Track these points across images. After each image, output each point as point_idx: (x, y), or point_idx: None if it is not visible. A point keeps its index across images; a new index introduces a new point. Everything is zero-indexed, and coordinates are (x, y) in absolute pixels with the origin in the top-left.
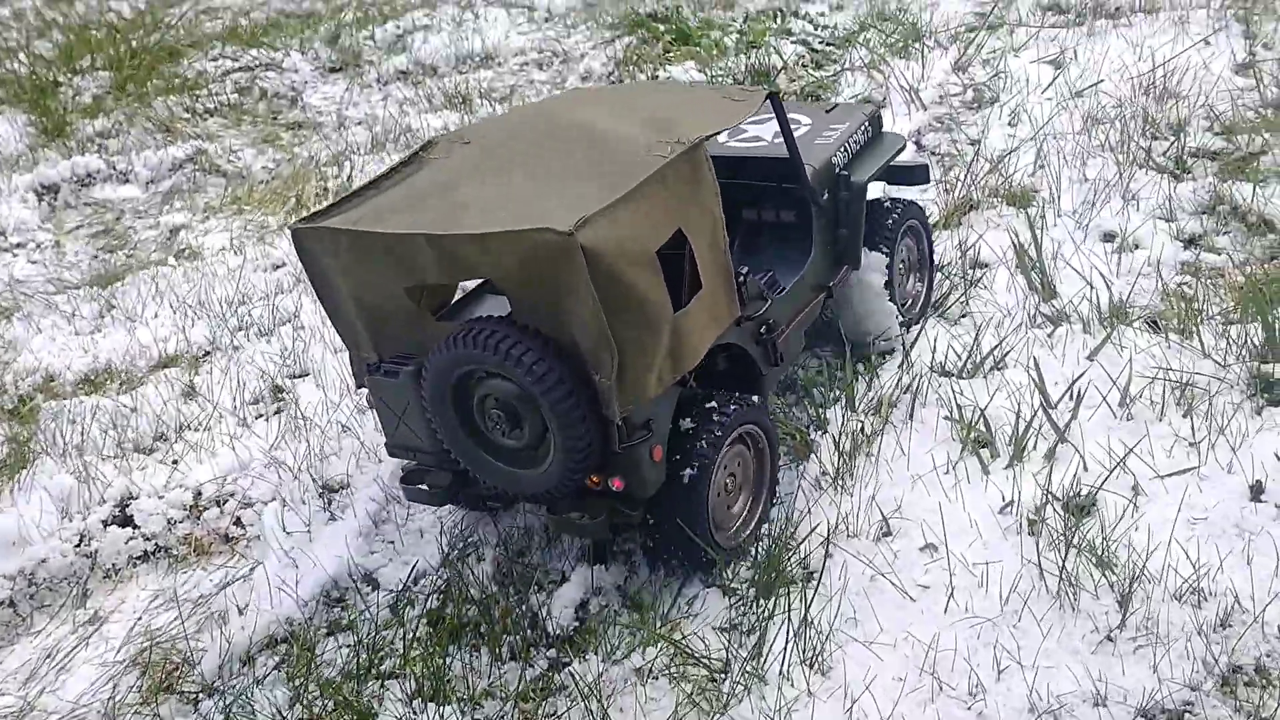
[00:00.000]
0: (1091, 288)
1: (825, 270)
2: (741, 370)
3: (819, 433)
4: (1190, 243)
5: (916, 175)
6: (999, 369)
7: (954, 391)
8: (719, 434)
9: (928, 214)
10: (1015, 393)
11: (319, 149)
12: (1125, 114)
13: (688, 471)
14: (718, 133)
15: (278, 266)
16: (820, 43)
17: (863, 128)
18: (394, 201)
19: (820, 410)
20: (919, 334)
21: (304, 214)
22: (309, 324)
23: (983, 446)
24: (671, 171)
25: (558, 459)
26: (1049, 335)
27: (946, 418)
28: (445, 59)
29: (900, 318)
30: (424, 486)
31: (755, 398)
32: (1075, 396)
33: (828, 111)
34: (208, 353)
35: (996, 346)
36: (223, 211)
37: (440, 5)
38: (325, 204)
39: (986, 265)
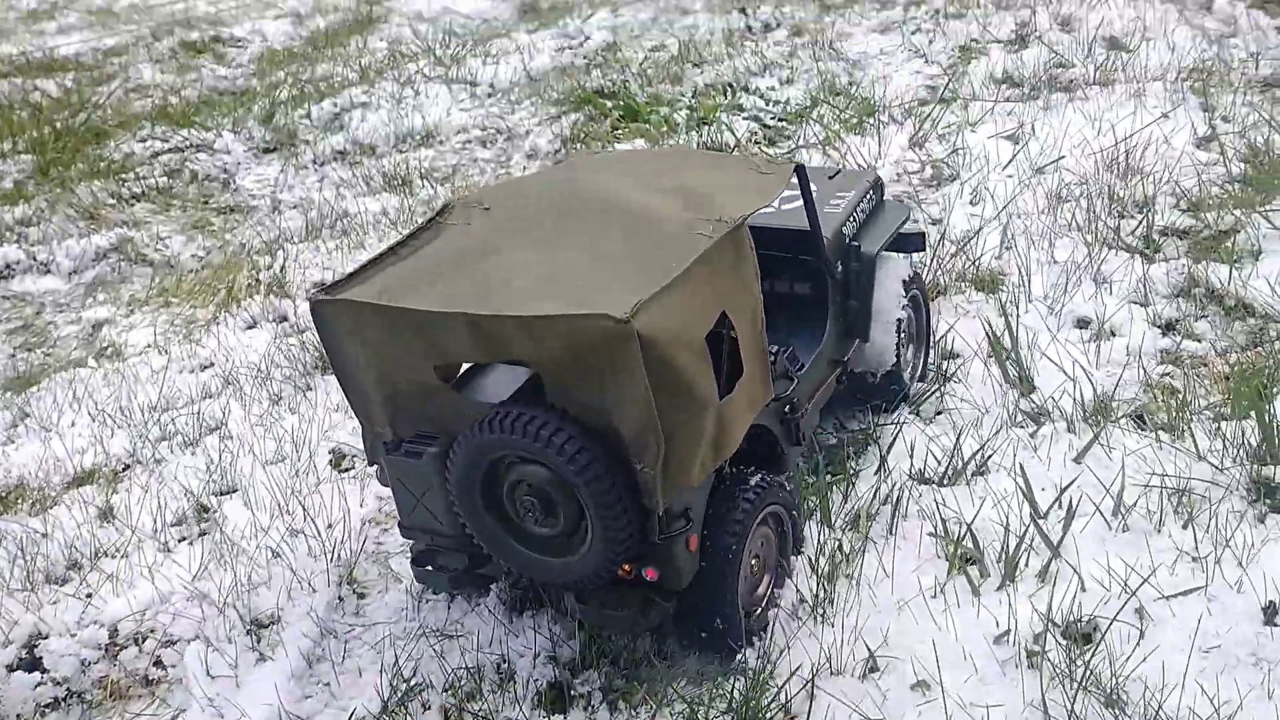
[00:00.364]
0: (1073, 381)
1: (839, 344)
2: (763, 449)
3: (794, 552)
4: (1168, 328)
5: (913, 243)
6: (981, 474)
7: (936, 502)
8: (747, 516)
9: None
10: (1001, 502)
11: (251, 235)
12: (1090, 191)
13: (717, 558)
14: (756, 211)
15: (205, 367)
16: (772, 118)
17: (868, 196)
18: (418, 271)
19: None
20: (896, 435)
21: (233, 307)
22: (237, 433)
23: (970, 563)
24: (716, 253)
25: (595, 548)
26: (1031, 435)
27: (931, 534)
28: (384, 138)
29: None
30: (434, 569)
31: (779, 477)
32: (1066, 508)
33: (830, 178)
34: (127, 466)
35: (978, 451)
36: (148, 304)
37: (379, 82)
38: (341, 274)
39: (958, 356)
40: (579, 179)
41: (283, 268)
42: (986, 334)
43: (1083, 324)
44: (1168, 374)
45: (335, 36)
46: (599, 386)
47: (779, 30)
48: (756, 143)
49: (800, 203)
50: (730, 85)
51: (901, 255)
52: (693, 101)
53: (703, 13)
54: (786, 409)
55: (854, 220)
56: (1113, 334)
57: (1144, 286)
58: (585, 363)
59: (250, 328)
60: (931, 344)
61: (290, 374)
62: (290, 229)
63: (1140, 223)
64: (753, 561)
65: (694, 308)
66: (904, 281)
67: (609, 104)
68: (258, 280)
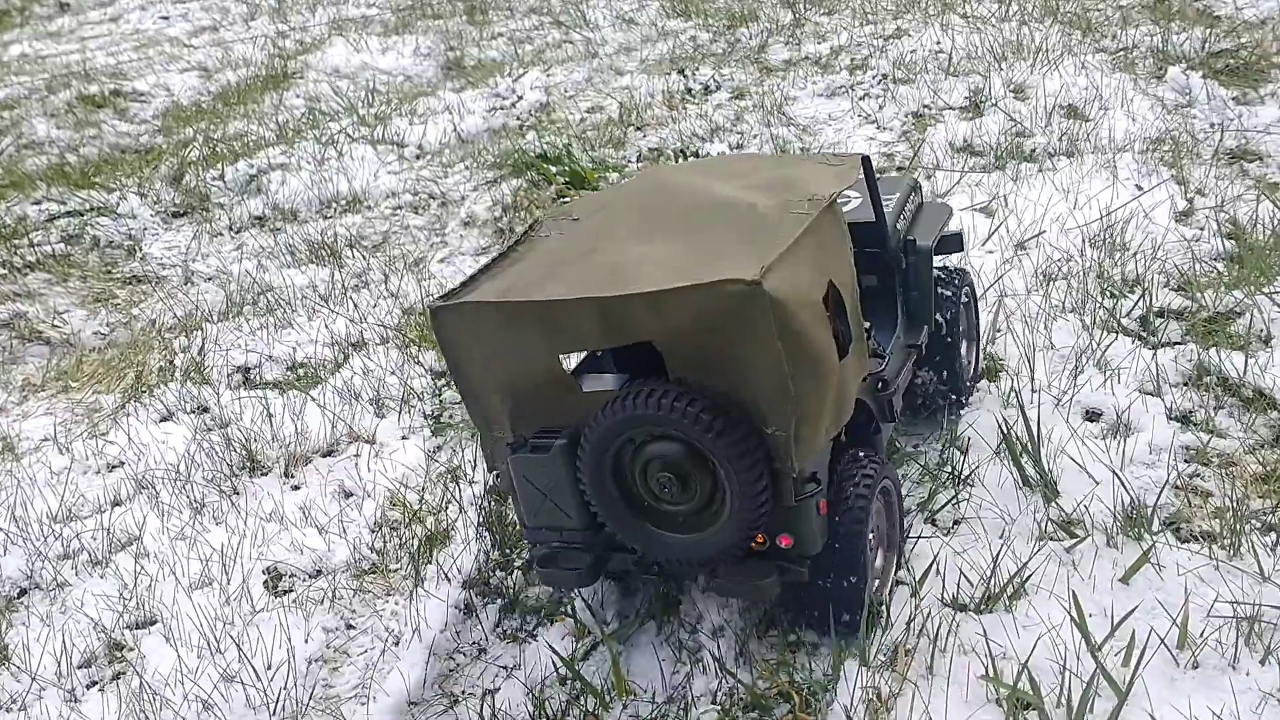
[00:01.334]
0: (1099, 484)
1: (911, 330)
2: (857, 428)
3: (825, 697)
4: (1185, 421)
5: (952, 244)
6: (1019, 596)
7: (976, 634)
8: (869, 487)
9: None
10: (1050, 632)
11: (162, 311)
12: (1079, 269)
13: (846, 525)
14: (842, 191)
15: (113, 467)
16: None
17: (911, 196)
18: (528, 272)
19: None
20: (915, 547)
21: (141, 392)
22: (154, 550)
23: (1026, 708)
24: (820, 226)
25: (732, 519)
26: (1068, 551)
27: (981, 677)
28: (307, 202)
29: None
30: (561, 569)
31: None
32: (1128, 642)
33: None
34: (23, 591)
35: (1016, 573)
36: (45, 390)
37: (298, 142)
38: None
39: (966, 452)
40: (662, 183)
41: (200, 350)
42: (1001, 432)
43: (1092, 416)
44: (1197, 475)
45: (248, 92)
46: (728, 354)
47: (720, 92)
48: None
49: (858, 201)
50: (680, 151)
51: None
52: (640, 166)
53: (638, 73)
54: (880, 385)
55: (904, 217)
56: (1128, 429)
57: (1154, 375)
58: (715, 332)
59: (165, 420)
60: (982, 345)
61: (214, 476)
62: (207, 304)
63: (1136, 303)
64: (870, 535)
65: (810, 274)
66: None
67: (554, 169)
68: (172, 364)
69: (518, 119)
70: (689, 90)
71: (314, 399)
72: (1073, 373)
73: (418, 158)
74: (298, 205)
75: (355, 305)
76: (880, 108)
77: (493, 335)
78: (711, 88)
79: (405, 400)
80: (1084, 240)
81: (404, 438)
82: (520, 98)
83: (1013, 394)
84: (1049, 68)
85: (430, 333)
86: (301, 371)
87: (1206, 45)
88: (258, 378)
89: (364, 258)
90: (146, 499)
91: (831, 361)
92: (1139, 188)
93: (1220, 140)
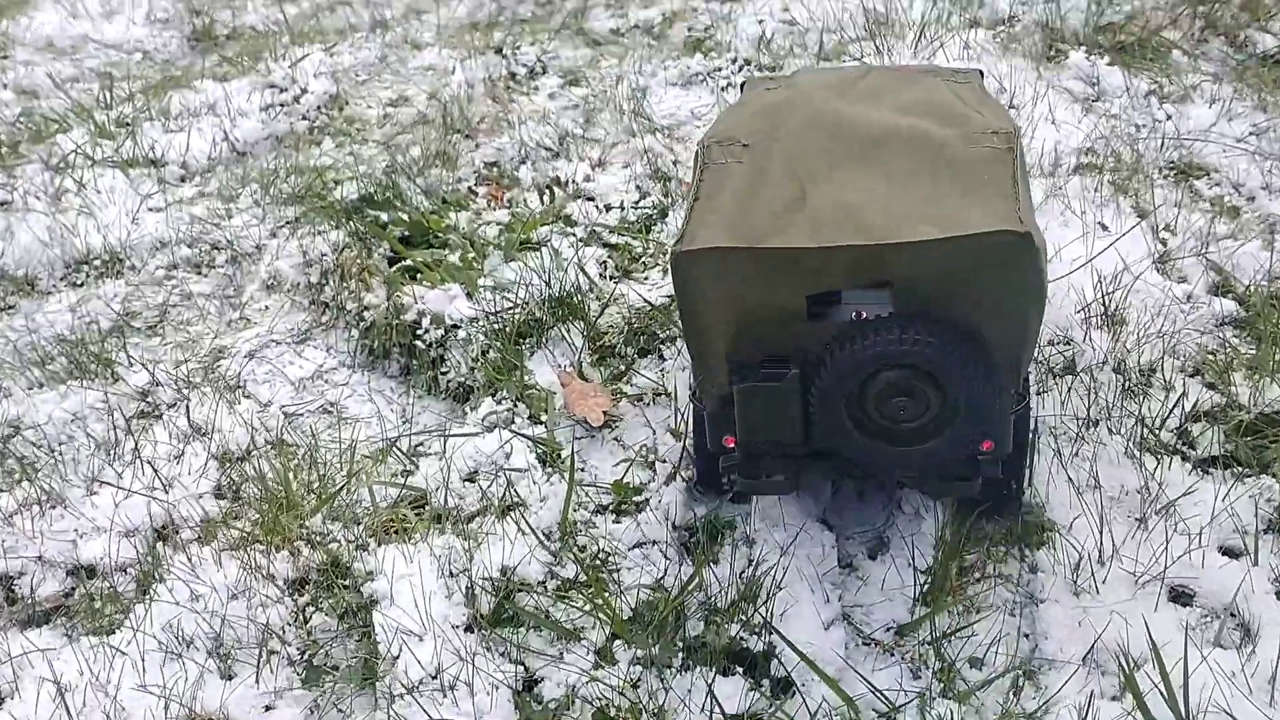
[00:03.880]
0: None
1: None
2: None
3: None
4: None
5: None
6: None
7: None
8: (1027, 405)
9: None
10: None
11: None
12: (1089, 362)
13: (1020, 433)
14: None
15: None
16: (615, 231)
17: None
18: (748, 213)
19: None
20: None
21: None
22: None
23: None
24: (1020, 166)
25: (963, 432)
26: None
27: None
28: (47, 263)
29: None
30: (765, 479)
31: None
32: None
33: None
34: None
35: None
36: None
37: (19, 167)
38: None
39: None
40: (815, 108)
41: None
42: (1120, 668)
43: (1182, 597)
44: None
45: None
46: (974, 294)
47: (548, 76)
48: (612, 278)
49: None
50: (551, 187)
51: None
52: (485, 191)
53: (442, 48)
54: None
55: None
56: (1248, 631)
57: (1235, 526)
58: (967, 275)
59: None
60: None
61: None
62: None
63: (1171, 409)
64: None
65: (1032, 216)
66: None
67: (382, 216)
68: None
69: (304, 118)
70: (512, 75)
71: (122, 652)
72: (1130, 525)
73: (184, 180)
74: (34, 269)
75: (148, 461)
76: None
77: (734, 278)
78: (538, 70)
79: (264, 644)
80: (1084, 315)
81: (269, 708)
82: (304, 90)
83: (1068, 570)
84: (933, 47)
85: (285, 527)
86: (94, 589)
87: (1090, 18)
88: (26, 599)
89: (146, 367)
90: None
91: (1046, 300)
92: (1103, 226)
93: (1161, 149)
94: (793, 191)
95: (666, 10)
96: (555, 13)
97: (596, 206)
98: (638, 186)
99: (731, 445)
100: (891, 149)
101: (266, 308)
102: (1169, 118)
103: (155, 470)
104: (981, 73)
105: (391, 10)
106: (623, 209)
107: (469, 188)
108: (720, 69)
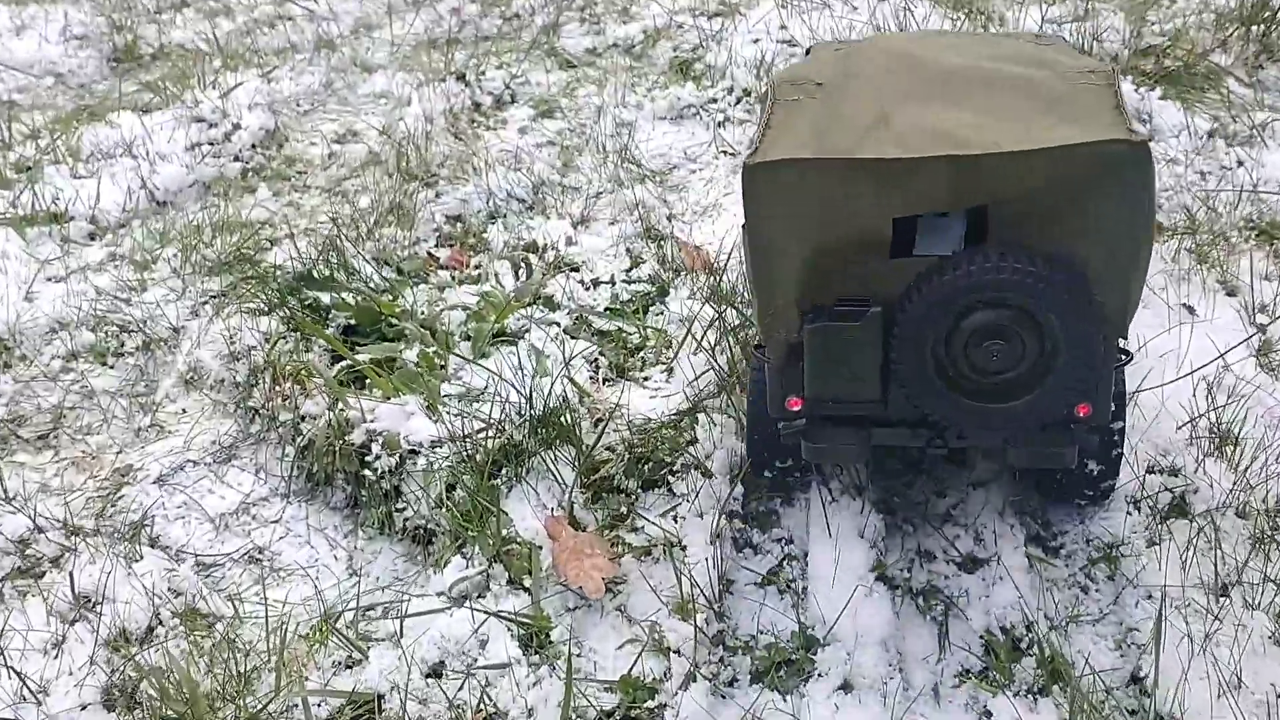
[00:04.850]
0: None
1: None
2: None
3: None
4: None
5: None
6: None
7: None
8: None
9: None
10: None
11: None
12: (1206, 503)
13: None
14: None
15: None
16: (605, 315)
17: None
18: (829, 133)
19: None
20: None
21: None
22: None
23: None
24: (1122, 97)
25: (1060, 385)
26: None
27: None
28: None
29: None
30: (832, 444)
31: None
32: None
33: None
34: None
35: None
36: None
37: None
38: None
39: None
40: (895, 53)
41: None
42: None
43: None
44: None
45: None
46: (1079, 217)
47: (518, 105)
48: (606, 380)
49: None
50: (493, 216)
51: None
52: (447, 251)
53: (396, 71)
54: None
55: None
56: None
57: None
58: (1074, 194)
59: None
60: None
61: None
62: None
63: None
64: None
65: None
66: None
67: (325, 299)
68: None
69: (237, 159)
70: (477, 106)
71: None
72: None
73: (92, 238)
74: None
75: (12, 669)
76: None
77: (813, 196)
78: (506, 99)
79: None
80: (1190, 434)
81: None
82: (237, 125)
83: None
84: None
85: None
86: None
87: (1128, 40)
88: None
89: (23, 509)
90: None
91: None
92: (1189, 309)
93: (1238, 206)
94: (875, 116)
95: (648, 26)
96: (523, 28)
97: (582, 281)
98: (628, 250)
99: (796, 407)
100: (979, 87)
101: (184, 411)
102: (1240, 164)
103: (22, 679)
104: (1064, 39)
105: (339, 25)
106: (613, 283)
107: (429, 251)
108: (715, 100)
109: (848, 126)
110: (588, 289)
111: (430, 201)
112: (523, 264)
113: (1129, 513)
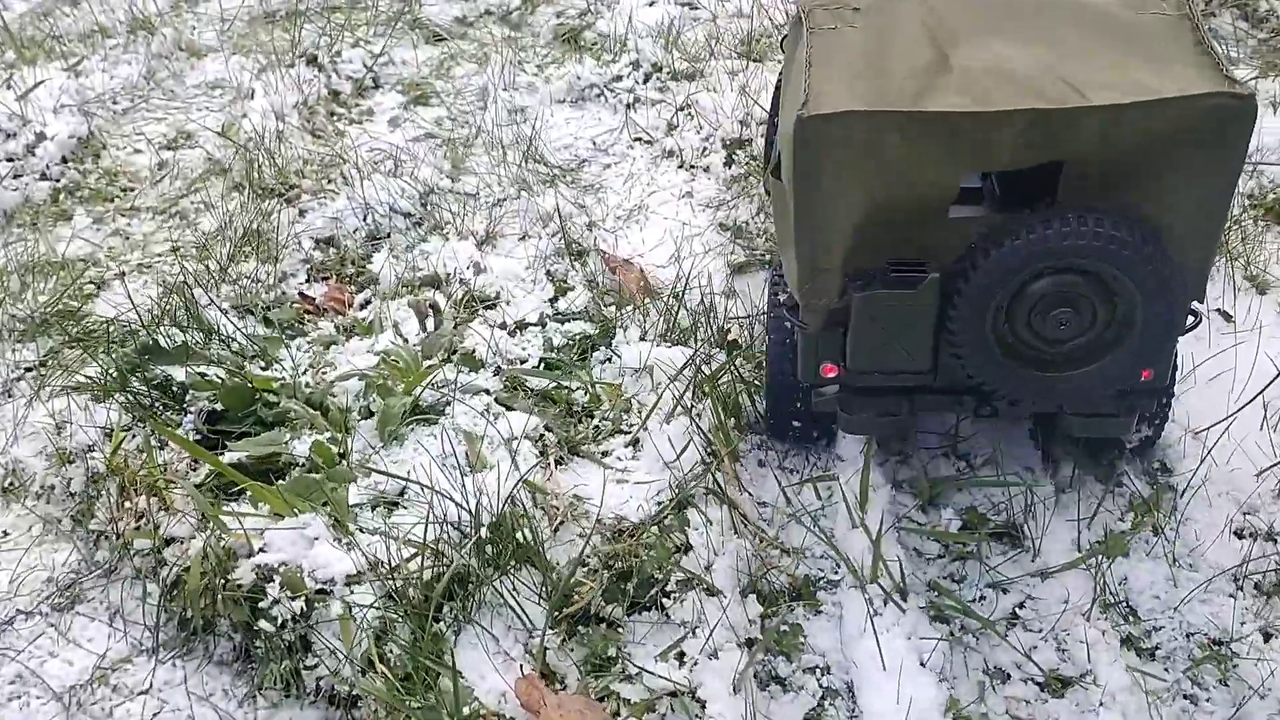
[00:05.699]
0: None
1: None
2: None
3: None
4: None
5: None
6: None
7: None
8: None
9: None
10: None
11: None
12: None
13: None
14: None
15: None
16: (548, 366)
17: None
18: (880, 76)
19: None
20: None
21: None
22: None
23: None
24: (1204, 30)
25: (1130, 352)
26: None
27: None
28: None
29: None
30: (872, 416)
31: None
32: None
33: None
34: None
35: None
36: None
37: None
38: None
39: None
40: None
41: None
42: None
43: None
44: None
45: None
46: (1161, 176)
47: (384, 91)
48: (558, 461)
49: None
50: (431, 306)
51: None
52: (324, 287)
53: (230, 55)
54: None
55: None
56: None
57: None
58: (1165, 155)
59: None
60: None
61: None
62: None
63: None
64: None
65: None
66: None
67: (178, 375)
68: None
69: (45, 176)
70: (335, 95)
71: None
72: None
73: None
74: None
75: None
76: (673, 127)
77: (876, 153)
78: (369, 85)
79: None
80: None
81: None
82: (41, 133)
83: None
84: None
85: None
86: None
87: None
88: None
89: None
90: None
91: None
92: (1225, 316)
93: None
94: (931, 54)
95: None
96: None
97: (504, 324)
98: (549, 273)
99: (832, 375)
100: (1045, 15)
101: (4, 534)
102: None
103: None
104: None
105: (156, 0)
106: (542, 325)
107: (300, 291)
108: (619, 78)
109: (903, 67)
110: (512, 334)
111: (294, 222)
112: (429, 308)
113: (1232, 595)
